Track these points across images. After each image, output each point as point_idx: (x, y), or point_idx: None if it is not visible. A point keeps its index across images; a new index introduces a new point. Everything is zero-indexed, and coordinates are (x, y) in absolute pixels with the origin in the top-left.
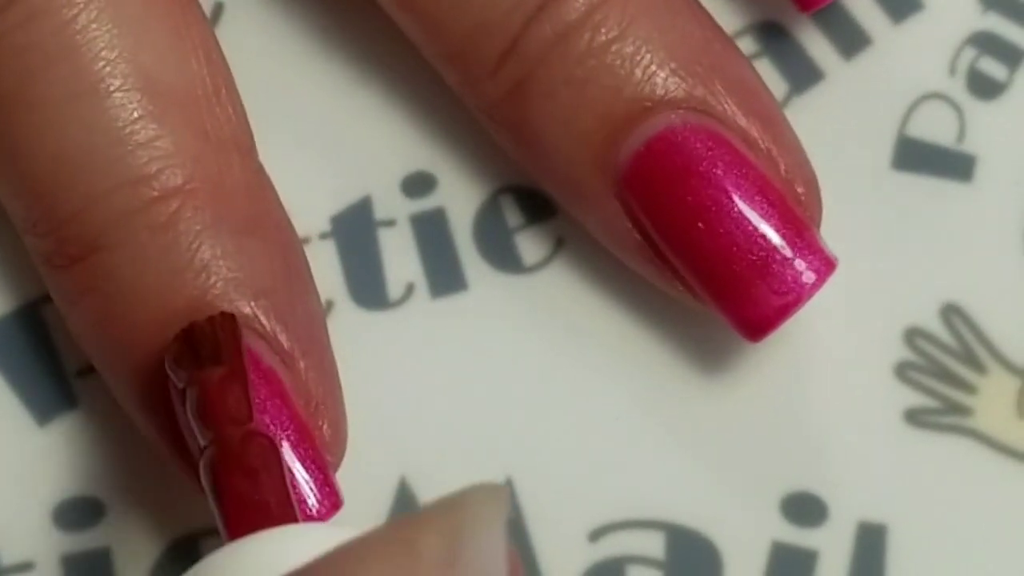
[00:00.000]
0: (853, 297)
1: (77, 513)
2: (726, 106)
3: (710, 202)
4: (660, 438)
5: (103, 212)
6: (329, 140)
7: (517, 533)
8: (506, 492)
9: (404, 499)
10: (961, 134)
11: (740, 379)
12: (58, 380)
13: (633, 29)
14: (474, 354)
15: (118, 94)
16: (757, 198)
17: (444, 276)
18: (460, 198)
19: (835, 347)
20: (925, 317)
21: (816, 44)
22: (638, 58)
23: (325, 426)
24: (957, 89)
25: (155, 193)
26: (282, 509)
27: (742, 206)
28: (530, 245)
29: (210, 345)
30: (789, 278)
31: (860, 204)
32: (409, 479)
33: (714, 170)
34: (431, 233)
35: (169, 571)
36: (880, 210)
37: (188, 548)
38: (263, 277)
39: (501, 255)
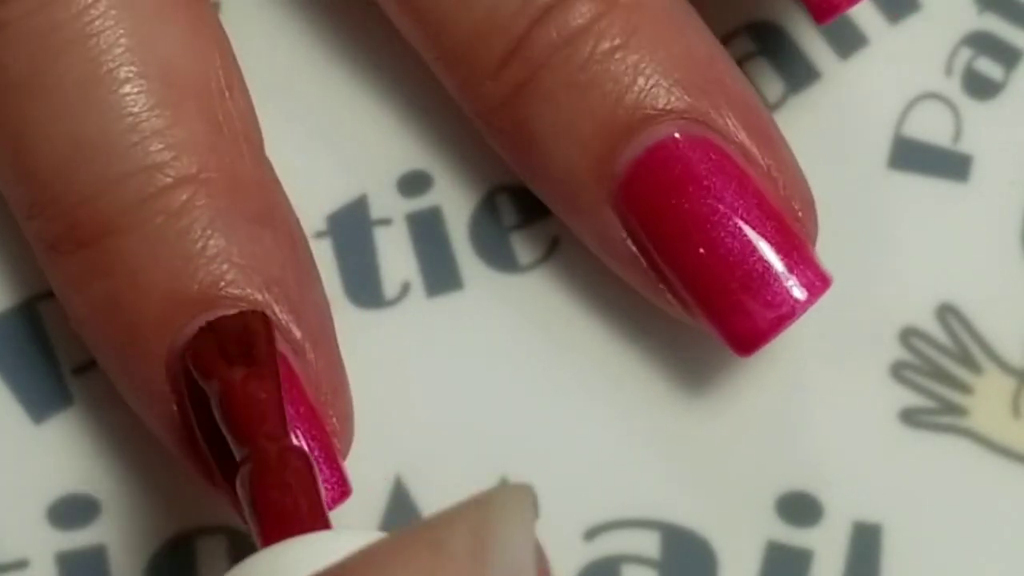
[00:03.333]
0: (848, 297)
1: (72, 511)
2: (727, 120)
3: (707, 213)
4: (655, 437)
5: (118, 196)
6: (325, 139)
7: None
8: (531, 492)
9: (399, 498)
10: (957, 134)
11: (736, 378)
12: (54, 378)
13: (637, 39)
14: (469, 353)
15: (135, 81)
16: (755, 212)
17: (440, 275)
18: (456, 197)
19: (831, 346)
20: (921, 317)
21: (813, 44)
22: (642, 67)
23: (335, 418)
24: (953, 89)
25: (170, 180)
26: (316, 520)
27: (739, 219)
28: (526, 244)
29: (238, 343)
30: (783, 292)
31: (856, 203)
32: (404, 478)
33: (712, 182)
34: (427, 232)
35: (164, 569)
36: (876, 209)
37: (183, 546)
38: (274, 267)
39: (497, 254)
